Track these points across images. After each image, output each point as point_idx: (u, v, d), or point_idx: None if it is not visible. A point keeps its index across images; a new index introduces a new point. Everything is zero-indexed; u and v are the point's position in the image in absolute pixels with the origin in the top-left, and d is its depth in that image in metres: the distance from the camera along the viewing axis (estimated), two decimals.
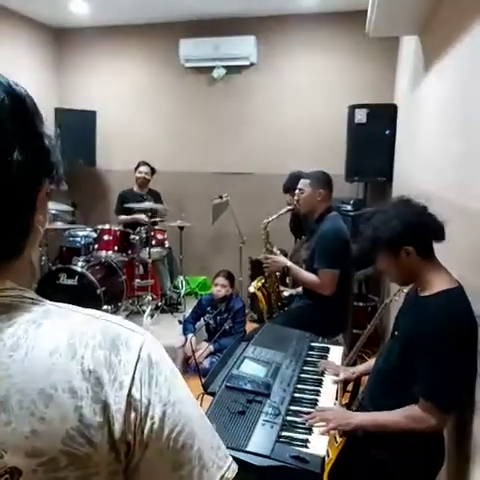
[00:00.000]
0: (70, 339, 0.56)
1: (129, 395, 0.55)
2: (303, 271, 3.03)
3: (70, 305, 0.61)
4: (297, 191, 3.09)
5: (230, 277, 4.03)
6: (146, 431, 0.56)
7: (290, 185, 3.68)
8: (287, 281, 3.81)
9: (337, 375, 2.14)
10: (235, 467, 0.63)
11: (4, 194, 0.56)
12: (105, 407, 0.54)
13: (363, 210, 3.92)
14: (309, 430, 1.69)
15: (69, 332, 0.56)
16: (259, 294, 3.46)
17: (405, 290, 2.00)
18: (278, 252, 3.28)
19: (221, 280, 3.97)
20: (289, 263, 3.05)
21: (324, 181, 3.03)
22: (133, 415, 0.55)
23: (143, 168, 4.99)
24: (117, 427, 0.54)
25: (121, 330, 0.60)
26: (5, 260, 0.59)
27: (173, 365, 0.62)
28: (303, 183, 3.05)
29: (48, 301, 0.61)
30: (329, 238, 2.91)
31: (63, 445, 0.53)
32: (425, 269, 1.66)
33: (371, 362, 2.07)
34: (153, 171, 5.05)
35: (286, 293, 3.45)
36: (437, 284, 1.62)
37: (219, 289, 3.96)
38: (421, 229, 1.65)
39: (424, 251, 1.66)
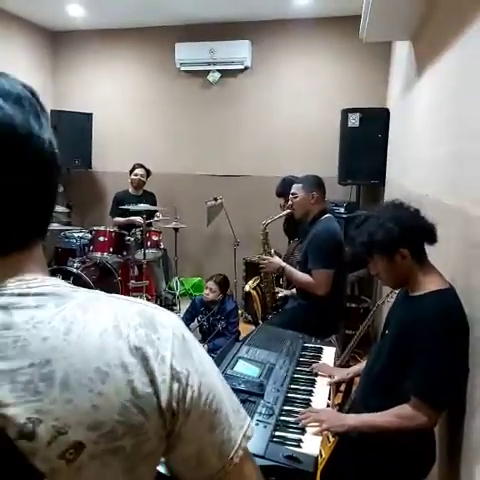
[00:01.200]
0: (114, 321, 0.61)
1: (171, 368, 0.62)
2: (298, 272, 3.05)
3: (103, 292, 0.66)
4: (291, 196, 3.12)
5: (222, 283, 4.03)
6: (188, 399, 0.62)
7: (282, 189, 3.71)
8: (281, 282, 3.84)
9: (331, 377, 2.13)
10: (253, 425, 0.73)
11: (46, 177, 0.62)
12: (152, 379, 0.60)
13: (356, 213, 3.95)
14: (302, 430, 1.69)
15: (112, 315, 0.62)
16: (254, 293, 3.50)
17: (397, 291, 2.03)
18: (274, 254, 3.31)
19: (210, 284, 4.01)
20: (284, 264, 3.09)
21: (316, 184, 3.07)
22: (176, 385, 0.62)
23: (139, 170, 4.99)
24: (163, 397, 0.60)
25: (155, 311, 0.66)
26: (29, 246, 0.62)
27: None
28: (296, 187, 3.09)
29: (82, 288, 0.65)
30: (323, 239, 2.93)
31: (119, 416, 0.58)
32: (418, 271, 1.67)
33: (364, 363, 2.07)
34: (148, 173, 5.06)
35: (281, 294, 3.47)
36: (428, 285, 1.63)
37: (207, 293, 3.99)
38: (416, 231, 1.66)
39: (418, 254, 1.67)
